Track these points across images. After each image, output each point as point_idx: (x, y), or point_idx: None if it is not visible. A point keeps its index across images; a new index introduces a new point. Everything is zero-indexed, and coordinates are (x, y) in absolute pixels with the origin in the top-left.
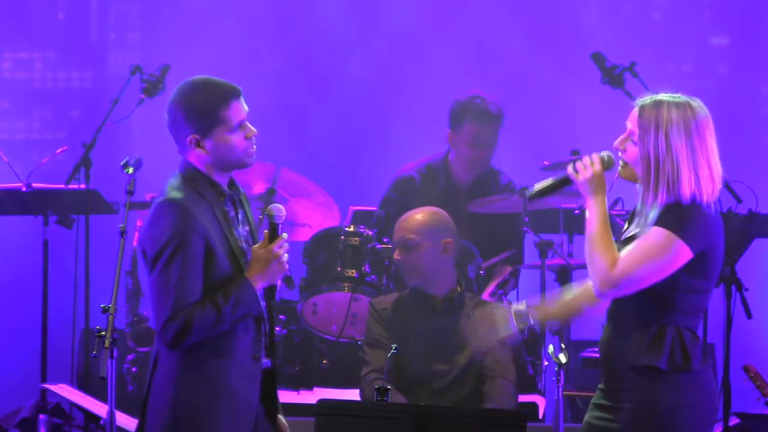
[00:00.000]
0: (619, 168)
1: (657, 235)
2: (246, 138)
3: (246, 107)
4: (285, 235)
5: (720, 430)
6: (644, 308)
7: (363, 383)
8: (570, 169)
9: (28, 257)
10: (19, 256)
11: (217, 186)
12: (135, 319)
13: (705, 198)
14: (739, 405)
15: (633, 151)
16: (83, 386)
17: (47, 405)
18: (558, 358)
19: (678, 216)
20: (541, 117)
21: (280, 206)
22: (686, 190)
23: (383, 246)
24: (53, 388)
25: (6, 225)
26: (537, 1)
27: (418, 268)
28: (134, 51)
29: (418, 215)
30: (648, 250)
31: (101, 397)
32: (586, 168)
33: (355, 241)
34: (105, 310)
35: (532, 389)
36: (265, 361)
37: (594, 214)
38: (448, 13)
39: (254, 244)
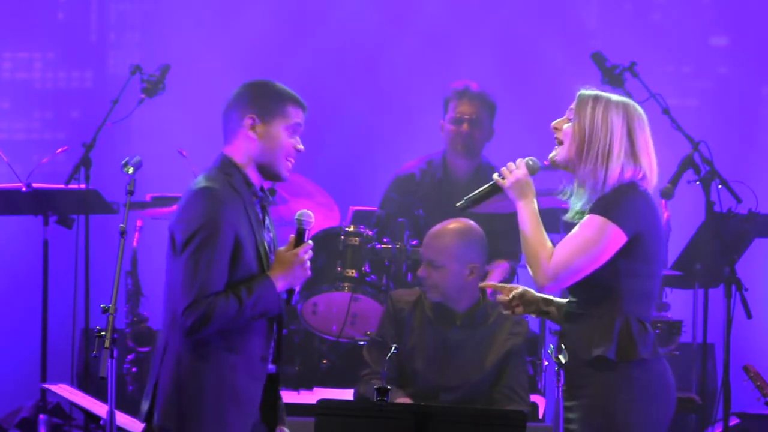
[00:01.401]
0: (551, 153)
1: (591, 222)
2: (294, 147)
3: (303, 124)
4: (311, 242)
5: (720, 430)
6: (592, 300)
7: (360, 382)
8: (495, 176)
9: (28, 257)
10: (19, 256)
11: (251, 185)
12: (135, 319)
13: (630, 173)
14: (739, 405)
15: (568, 128)
16: (83, 386)
17: (47, 405)
18: (558, 358)
19: (609, 199)
20: (541, 117)
21: (310, 212)
22: (616, 163)
23: (383, 246)
24: (53, 388)
25: (6, 225)
26: (537, 1)
27: (439, 287)
28: (134, 51)
29: (449, 234)
30: (582, 238)
31: (101, 397)
32: (511, 172)
33: (355, 241)
34: (105, 310)
35: (532, 389)
36: (271, 366)
37: (525, 216)
38: (449, 15)
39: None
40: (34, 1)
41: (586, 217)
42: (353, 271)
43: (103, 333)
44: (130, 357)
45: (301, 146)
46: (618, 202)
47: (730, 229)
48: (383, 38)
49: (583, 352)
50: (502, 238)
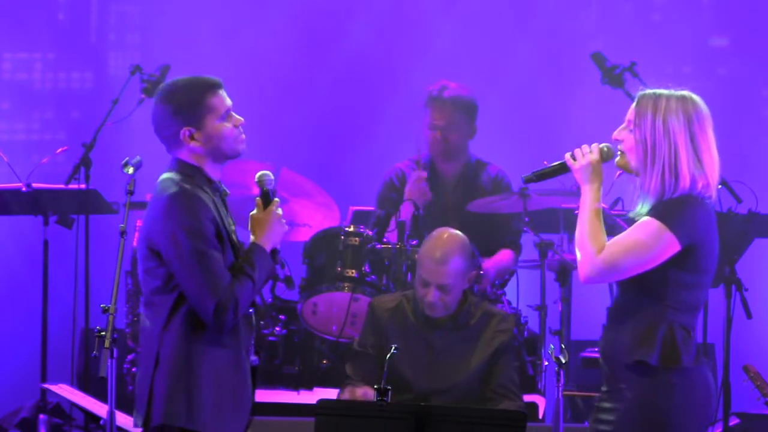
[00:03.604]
0: (617, 158)
1: (647, 225)
2: (234, 126)
3: (229, 99)
4: (277, 200)
5: (720, 430)
6: (637, 305)
7: (341, 391)
8: (568, 156)
9: (28, 257)
10: (19, 256)
11: (212, 182)
12: (135, 319)
13: (700, 183)
14: (739, 405)
15: (630, 139)
16: (83, 386)
17: (47, 405)
18: (558, 358)
19: (670, 206)
20: (541, 117)
21: (269, 172)
22: (686, 173)
23: (383, 246)
24: (53, 388)
25: (6, 225)
26: (537, 1)
27: (449, 304)
28: (134, 51)
29: (453, 255)
30: (635, 239)
31: (101, 397)
32: (584, 156)
33: (355, 241)
34: (105, 310)
35: (532, 389)
36: (253, 358)
37: (587, 201)
38: (449, 13)
39: (238, 240)
40: (34, 1)
41: (644, 219)
42: (353, 271)
43: (103, 333)
44: (130, 357)
45: (239, 120)
46: (678, 210)
47: (730, 229)
48: (384, 39)
49: (625, 355)
50: (502, 229)
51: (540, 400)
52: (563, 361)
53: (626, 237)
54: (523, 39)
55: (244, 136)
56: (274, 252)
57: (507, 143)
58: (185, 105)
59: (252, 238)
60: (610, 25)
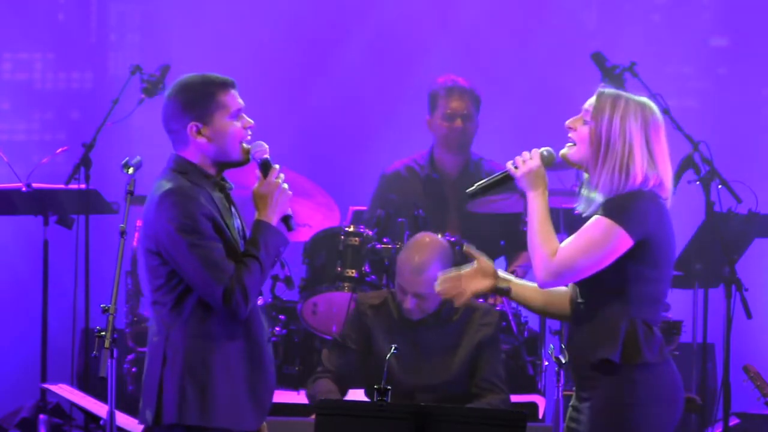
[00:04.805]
0: (563, 149)
1: (598, 224)
2: (243, 128)
3: (241, 100)
4: (277, 166)
5: (720, 430)
6: (599, 302)
7: (309, 381)
8: (509, 164)
9: (28, 257)
10: (19, 256)
11: (210, 176)
12: (135, 319)
13: (652, 182)
14: (739, 405)
15: (583, 130)
16: (83, 386)
17: (47, 405)
18: (558, 358)
19: (619, 202)
20: (540, 117)
21: (261, 142)
22: (639, 172)
23: (383, 246)
24: (53, 388)
25: (6, 225)
26: (538, 1)
27: (427, 309)
28: (134, 51)
29: (430, 264)
30: (588, 239)
31: (101, 397)
32: (525, 162)
33: (355, 241)
34: (105, 310)
35: (532, 389)
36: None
37: (534, 207)
38: (448, 13)
39: (246, 237)
40: (34, 1)
41: (595, 217)
42: (353, 271)
43: (103, 333)
44: (130, 357)
45: (249, 122)
46: (627, 206)
47: (730, 229)
48: (384, 38)
49: (589, 354)
50: (512, 231)
51: (540, 400)
52: (563, 361)
53: (578, 238)
54: (523, 39)
55: (249, 138)
56: (286, 218)
57: (506, 143)
58: (196, 99)
59: (257, 214)
60: (610, 25)
